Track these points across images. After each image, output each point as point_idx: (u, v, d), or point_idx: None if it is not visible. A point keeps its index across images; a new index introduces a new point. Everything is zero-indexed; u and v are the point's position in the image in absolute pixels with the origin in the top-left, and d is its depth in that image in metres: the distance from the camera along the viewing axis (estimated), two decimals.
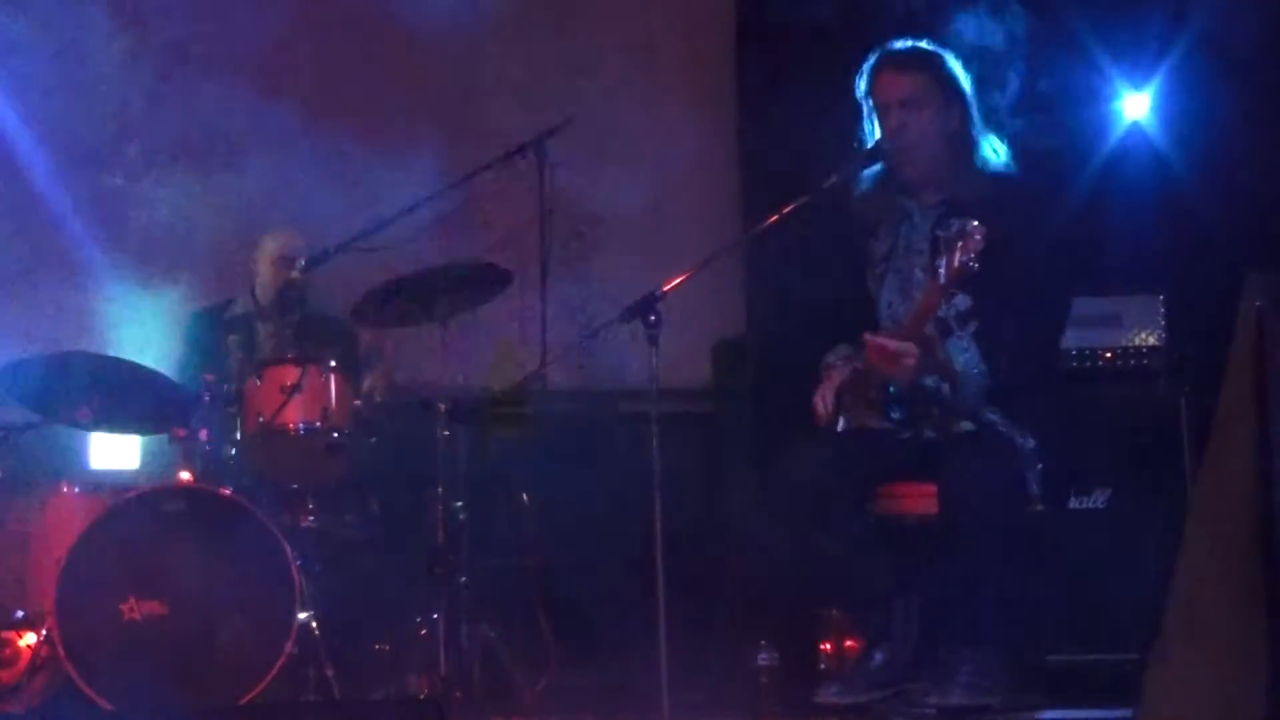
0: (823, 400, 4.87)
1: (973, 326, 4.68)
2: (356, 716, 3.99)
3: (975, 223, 4.37)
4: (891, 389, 4.72)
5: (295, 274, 6.05)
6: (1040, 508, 4.55)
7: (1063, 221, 4.72)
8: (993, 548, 4.47)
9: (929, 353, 4.53)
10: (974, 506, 4.44)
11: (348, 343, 6.14)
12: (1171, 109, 6.18)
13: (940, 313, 4.61)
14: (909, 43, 4.94)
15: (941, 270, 4.43)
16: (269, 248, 6.29)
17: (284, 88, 7.02)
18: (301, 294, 6.05)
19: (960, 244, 4.37)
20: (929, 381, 4.68)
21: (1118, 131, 6.22)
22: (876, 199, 4.92)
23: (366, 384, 5.77)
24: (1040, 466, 4.54)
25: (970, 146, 4.82)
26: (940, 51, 4.92)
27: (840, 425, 4.88)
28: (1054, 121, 6.09)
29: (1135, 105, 6.23)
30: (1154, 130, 6.20)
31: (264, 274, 6.28)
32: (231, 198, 6.91)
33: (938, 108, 4.81)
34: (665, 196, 7.04)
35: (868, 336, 4.63)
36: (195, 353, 6.20)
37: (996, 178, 4.79)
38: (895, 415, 4.71)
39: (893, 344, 4.53)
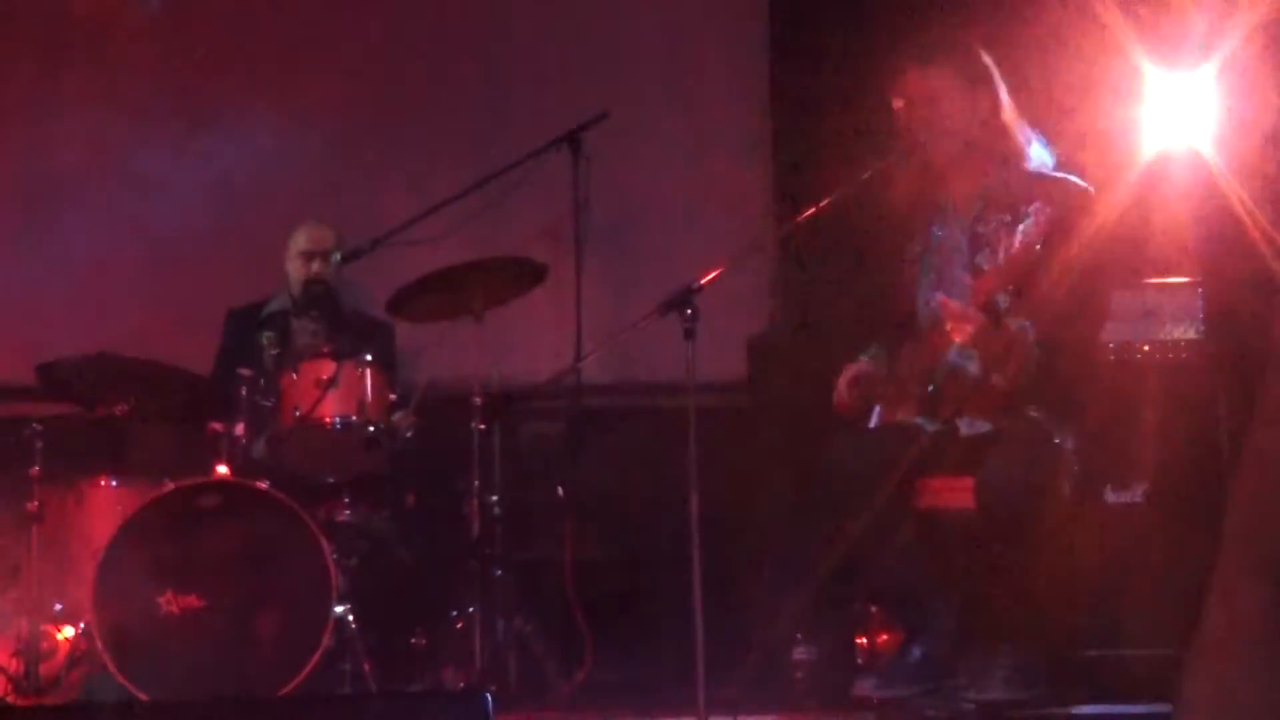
0: (844, 389, 4.86)
1: (1015, 323, 4.65)
2: (400, 709, 3.98)
3: (1040, 204, 4.35)
4: (931, 387, 4.71)
5: (317, 267, 6.08)
6: (1074, 507, 4.53)
7: (1102, 217, 4.68)
8: (1029, 542, 4.45)
9: (994, 325, 4.48)
10: (1010, 501, 4.42)
11: (384, 341, 6.15)
12: (1212, 100, 6.13)
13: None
14: (931, 37, 4.92)
15: (1001, 253, 4.41)
16: (296, 241, 6.30)
17: (320, 82, 7.04)
18: (327, 291, 6.04)
19: (1024, 225, 4.35)
20: (972, 367, 4.66)
21: (1158, 129, 6.17)
22: (910, 195, 4.90)
23: (397, 416, 5.76)
24: (1077, 468, 4.52)
25: (1003, 137, 4.79)
26: (963, 40, 4.89)
27: (873, 420, 4.87)
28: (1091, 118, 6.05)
29: (1175, 104, 6.18)
30: (1194, 124, 6.15)
31: (292, 268, 6.29)
32: (268, 192, 6.91)
33: (963, 100, 4.78)
34: (700, 189, 7.03)
35: (942, 298, 4.59)
36: (233, 348, 6.22)
37: (1034, 174, 4.76)
38: (930, 414, 4.72)
39: (957, 305, 4.50)
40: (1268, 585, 4.80)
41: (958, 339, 4.52)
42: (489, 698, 3.86)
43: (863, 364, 4.92)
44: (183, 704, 4.90)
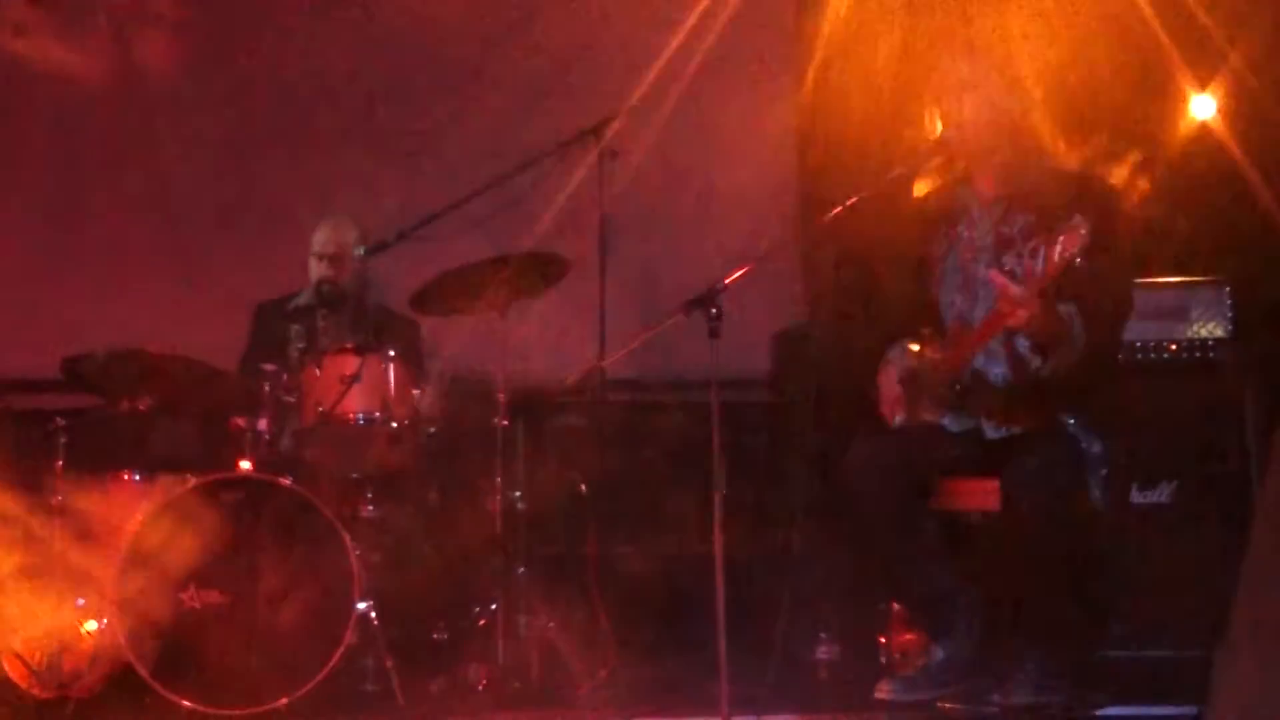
0: (896, 386, 4.83)
1: (1064, 308, 4.60)
2: None
3: (1079, 216, 4.31)
4: (958, 386, 4.69)
5: (326, 268, 6.07)
6: (1100, 512, 4.50)
7: (1128, 219, 4.66)
8: (1055, 544, 4.43)
9: (1046, 310, 4.45)
10: (1036, 503, 4.40)
11: (409, 338, 6.13)
12: (1240, 99, 6.10)
13: None
14: (970, 34, 4.90)
15: (1039, 264, 4.38)
16: (314, 240, 6.29)
17: (348, 74, 7.04)
18: (336, 291, 6.00)
19: (1064, 238, 4.31)
20: (996, 372, 4.64)
21: (1185, 128, 6.14)
22: (936, 195, 4.88)
23: (418, 398, 5.74)
24: (1104, 472, 4.48)
25: (1033, 132, 4.76)
26: (1004, 39, 4.87)
27: (897, 421, 4.85)
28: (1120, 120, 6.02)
29: (1202, 105, 6.15)
30: (1222, 121, 6.12)
31: (310, 266, 6.28)
32: (295, 184, 6.92)
33: (998, 94, 4.75)
34: (725, 186, 7.01)
35: (994, 273, 4.55)
36: (259, 343, 6.21)
37: (1061, 174, 4.73)
38: (955, 415, 4.69)
39: (1016, 289, 4.46)
40: None
41: (1012, 323, 4.48)
42: None
43: (906, 360, 4.88)
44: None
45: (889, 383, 4.89)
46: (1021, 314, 4.42)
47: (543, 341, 6.53)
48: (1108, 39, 6.04)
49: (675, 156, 6.88)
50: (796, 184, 7.00)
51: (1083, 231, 4.28)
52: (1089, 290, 4.50)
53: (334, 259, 6.18)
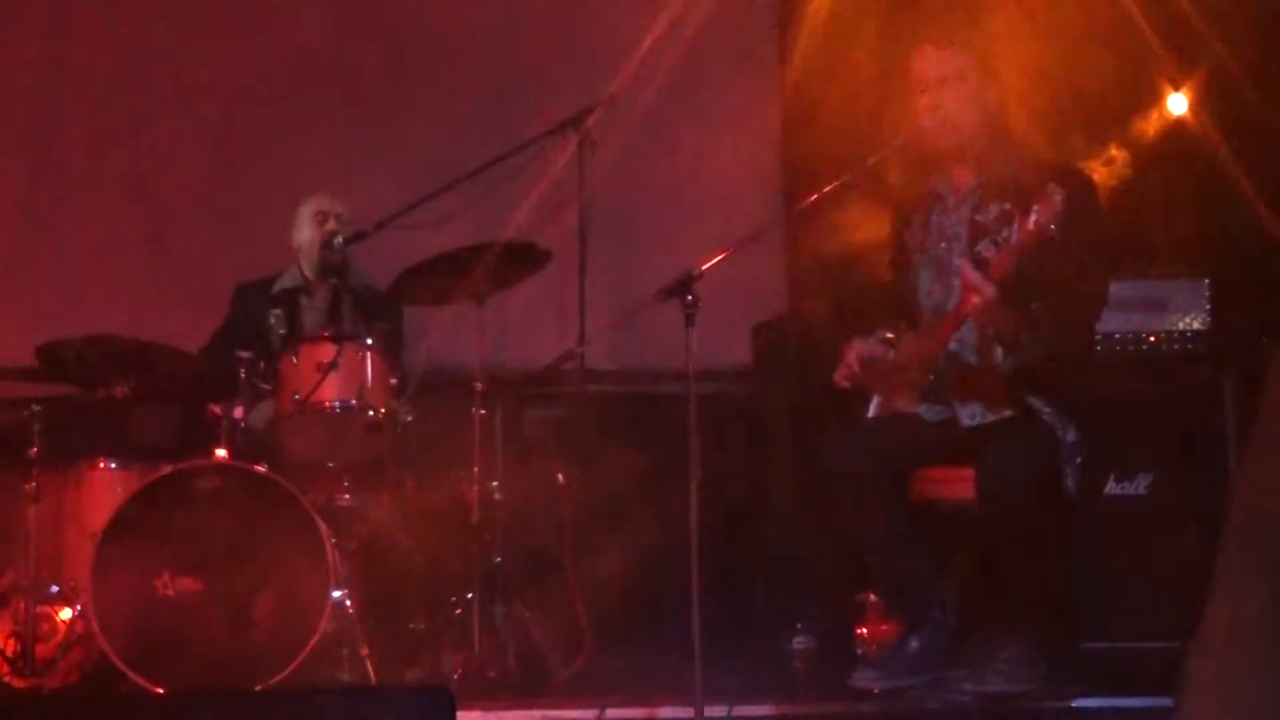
0: (854, 363, 4.81)
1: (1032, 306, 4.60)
2: (363, 704, 3.94)
3: (1054, 185, 4.30)
4: (932, 376, 4.69)
5: (332, 225, 6.05)
6: (1074, 501, 4.49)
7: (1105, 209, 4.65)
8: (1030, 534, 4.43)
9: (1006, 301, 4.44)
10: (1010, 493, 4.40)
11: (394, 317, 6.11)
12: (1219, 93, 6.10)
13: None
14: (951, 24, 4.89)
15: (1014, 231, 4.36)
16: (307, 208, 6.26)
17: (325, 61, 7.03)
18: (344, 259, 6.00)
19: (1038, 205, 4.30)
20: (972, 357, 4.64)
21: (1163, 123, 6.15)
22: (911, 183, 4.87)
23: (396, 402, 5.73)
24: (1079, 460, 4.48)
25: (1009, 122, 4.76)
26: (980, 28, 4.86)
27: (871, 410, 4.84)
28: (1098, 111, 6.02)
29: (1179, 100, 6.16)
30: (1199, 116, 6.12)
31: (304, 237, 6.24)
32: (271, 172, 6.90)
33: (975, 84, 4.75)
34: (706, 176, 7.00)
35: (964, 265, 4.54)
36: (236, 324, 6.18)
37: (1037, 163, 4.72)
38: (930, 405, 4.69)
39: (974, 274, 4.45)
40: (1270, 580, 4.78)
41: (965, 309, 4.48)
42: (451, 694, 3.83)
43: (872, 345, 4.87)
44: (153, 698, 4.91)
45: (850, 354, 4.85)
46: (976, 301, 4.41)
47: (522, 331, 6.53)
48: (1087, 33, 6.05)
49: (656, 147, 6.86)
50: (779, 175, 6.98)
51: (1057, 199, 4.28)
52: (1063, 275, 4.49)
53: (338, 216, 6.15)
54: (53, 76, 6.99)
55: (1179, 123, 6.11)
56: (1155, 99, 6.13)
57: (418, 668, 5.48)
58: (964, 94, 4.75)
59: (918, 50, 4.83)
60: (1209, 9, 6.00)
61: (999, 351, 4.57)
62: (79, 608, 5.29)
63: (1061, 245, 4.39)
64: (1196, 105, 6.09)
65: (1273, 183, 5.87)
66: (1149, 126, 6.06)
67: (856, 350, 4.82)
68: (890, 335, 4.86)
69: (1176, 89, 6.13)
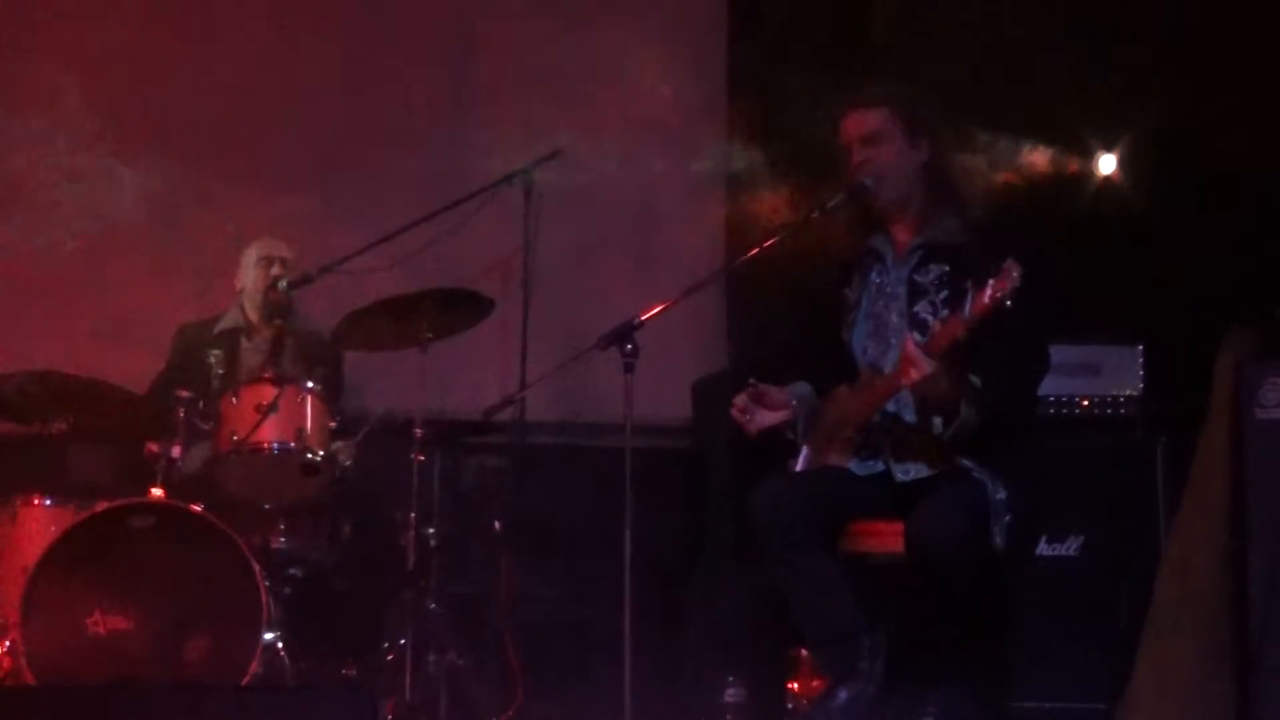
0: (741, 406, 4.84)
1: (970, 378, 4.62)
2: (289, 704, 3.93)
3: (1012, 260, 4.32)
4: (867, 433, 4.71)
5: (277, 270, 6.07)
6: (1002, 558, 4.50)
7: (1044, 272, 4.68)
8: (958, 590, 4.44)
9: (946, 376, 4.46)
10: (937, 547, 4.40)
11: (333, 362, 6.12)
12: (1147, 162, 6.20)
13: None
14: (879, 83, 4.96)
15: (968, 304, 4.37)
16: (252, 252, 6.28)
17: (273, 105, 7.04)
18: (289, 302, 6.02)
19: (994, 280, 4.31)
20: (908, 415, 4.66)
21: (1091, 186, 6.25)
22: (852, 239, 4.91)
23: (335, 447, 5.74)
24: (1008, 519, 4.48)
25: (946, 181, 4.80)
26: (904, 87, 4.92)
27: (800, 464, 4.86)
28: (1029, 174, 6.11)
29: (1106, 162, 6.26)
30: (1129, 181, 6.23)
31: (249, 280, 6.26)
32: (216, 213, 6.90)
33: (902, 141, 4.79)
34: (652, 229, 7.05)
35: (907, 339, 4.54)
36: (177, 364, 6.18)
37: (976, 225, 4.76)
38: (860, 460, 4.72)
39: (916, 351, 4.43)
40: (1197, 642, 4.84)
41: (904, 382, 4.50)
42: (373, 695, 3.83)
43: (813, 398, 4.89)
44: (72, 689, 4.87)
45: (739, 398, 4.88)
46: (915, 375, 4.43)
47: (464, 379, 6.54)
48: (1016, 93, 6.15)
49: (603, 199, 6.91)
50: (724, 231, 7.02)
51: (1015, 275, 4.29)
52: (1010, 352, 4.51)
53: (283, 261, 6.17)
54: None
55: (1106, 183, 6.21)
56: (1086, 162, 6.23)
57: None
58: (889, 153, 4.80)
59: (844, 117, 4.88)
60: (1133, 71, 6.11)
61: (937, 422, 4.59)
62: (8, 644, 5.24)
63: (1013, 321, 4.39)
64: (1125, 168, 6.20)
65: (1206, 250, 5.97)
66: (1080, 190, 6.16)
67: (752, 390, 4.86)
68: (805, 393, 4.89)
69: (1106, 151, 6.23)
